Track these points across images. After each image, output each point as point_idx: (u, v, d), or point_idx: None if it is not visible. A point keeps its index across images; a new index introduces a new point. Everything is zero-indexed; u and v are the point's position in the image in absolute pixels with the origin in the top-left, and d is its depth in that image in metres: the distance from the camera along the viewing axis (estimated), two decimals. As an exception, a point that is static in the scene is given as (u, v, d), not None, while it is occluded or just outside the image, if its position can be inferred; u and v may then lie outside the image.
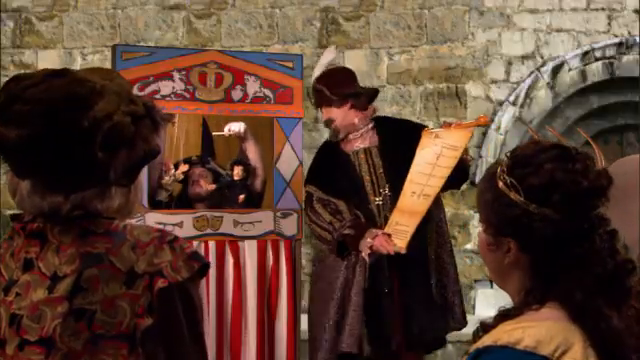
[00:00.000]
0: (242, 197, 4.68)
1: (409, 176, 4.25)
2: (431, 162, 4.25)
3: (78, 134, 1.57)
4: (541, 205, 1.53)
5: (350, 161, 4.49)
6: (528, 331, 1.48)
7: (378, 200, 4.41)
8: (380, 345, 4.36)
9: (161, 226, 4.23)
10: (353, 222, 4.32)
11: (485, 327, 1.57)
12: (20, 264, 1.63)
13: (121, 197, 1.67)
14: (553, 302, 1.52)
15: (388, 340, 4.35)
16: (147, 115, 1.64)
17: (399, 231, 4.27)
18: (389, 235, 4.25)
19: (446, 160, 4.25)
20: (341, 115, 4.49)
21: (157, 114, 1.67)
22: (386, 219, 4.36)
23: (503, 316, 1.56)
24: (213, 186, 4.70)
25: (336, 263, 4.38)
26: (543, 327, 1.49)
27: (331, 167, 4.51)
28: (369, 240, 4.23)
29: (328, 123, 4.53)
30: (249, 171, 4.72)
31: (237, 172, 4.73)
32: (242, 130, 4.60)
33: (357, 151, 4.51)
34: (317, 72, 4.59)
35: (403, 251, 4.25)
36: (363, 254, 4.25)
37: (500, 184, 1.57)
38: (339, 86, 4.52)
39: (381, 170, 4.47)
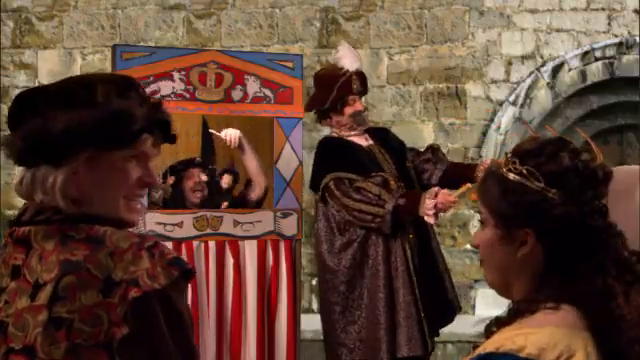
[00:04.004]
0: (225, 204, 4.69)
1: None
2: None
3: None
4: (560, 189, 1.54)
5: (370, 153, 4.55)
6: (530, 338, 1.47)
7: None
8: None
9: (161, 226, 4.23)
10: (403, 191, 4.32)
11: (499, 322, 1.56)
12: (9, 271, 1.61)
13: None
14: (567, 306, 1.51)
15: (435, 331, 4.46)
16: None
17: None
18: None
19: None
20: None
21: None
22: None
23: (517, 311, 1.55)
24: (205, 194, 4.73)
25: (377, 264, 4.37)
26: (545, 334, 1.48)
27: (356, 155, 4.52)
28: (431, 201, 4.18)
29: (363, 111, 4.60)
30: (237, 180, 4.74)
31: (226, 180, 4.75)
32: (236, 140, 4.49)
33: (372, 145, 4.57)
34: (354, 65, 4.57)
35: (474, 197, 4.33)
36: (427, 218, 4.21)
37: (512, 176, 1.57)
38: None
39: (394, 167, 4.52)
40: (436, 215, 4.20)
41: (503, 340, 1.49)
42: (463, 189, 4.20)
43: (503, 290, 1.63)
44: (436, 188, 4.24)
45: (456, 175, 4.45)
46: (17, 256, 1.61)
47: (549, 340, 1.47)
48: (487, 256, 1.63)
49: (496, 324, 1.56)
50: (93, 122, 1.58)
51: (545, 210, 1.54)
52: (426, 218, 4.21)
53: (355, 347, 4.37)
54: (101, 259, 1.55)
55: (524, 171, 1.56)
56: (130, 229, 1.66)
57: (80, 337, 1.51)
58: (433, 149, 4.72)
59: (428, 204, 4.17)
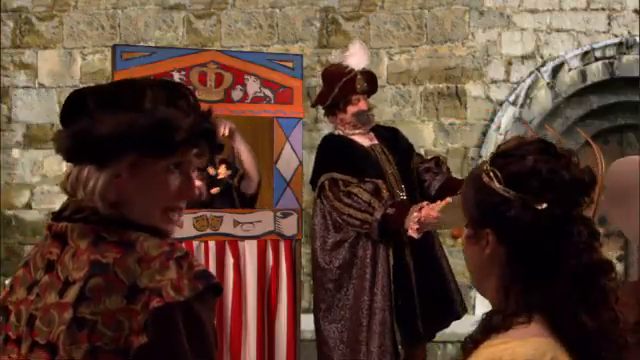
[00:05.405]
0: (216, 190, 4.68)
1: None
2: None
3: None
4: (520, 192, 1.52)
5: (371, 154, 4.52)
6: (517, 351, 1.45)
7: (402, 195, 4.42)
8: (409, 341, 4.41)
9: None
10: (393, 201, 4.30)
11: (475, 340, 1.53)
12: (44, 264, 1.63)
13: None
14: (538, 315, 1.50)
15: (417, 335, 4.41)
16: None
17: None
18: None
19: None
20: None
21: None
22: None
23: (491, 328, 1.52)
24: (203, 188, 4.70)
25: (364, 266, 4.36)
26: (531, 346, 1.46)
27: (354, 155, 4.49)
28: (415, 214, 4.17)
29: (367, 111, 4.56)
30: (233, 170, 4.72)
31: (221, 170, 4.73)
32: (226, 129, 4.47)
33: (375, 145, 4.55)
34: (361, 64, 4.56)
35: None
36: (411, 232, 4.19)
37: (483, 177, 1.57)
38: None
39: (396, 168, 4.51)
40: (419, 230, 4.18)
41: (490, 355, 1.47)
42: (443, 204, 4.19)
43: (478, 288, 1.63)
44: (424, 202, 4.23)
45: (450, 189, 4.41)
46: (53, 251, 1.63)
47: (535, 352, 1.45)
48: (465, 253, 1.65)
49: (472, 342, 1.54)
50: (137, 128, 1.58)
51: (502, 211, 1.52)
52: (410, 232, 4.19)
53: (336, 346, 4.38)
54: (129, 264, 1.55)
55: (490, 172, 1.55)
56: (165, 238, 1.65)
57: (101, 340, 1.51)
58: (438, 161, 4.69)
59: (412, 218, 4.17)
